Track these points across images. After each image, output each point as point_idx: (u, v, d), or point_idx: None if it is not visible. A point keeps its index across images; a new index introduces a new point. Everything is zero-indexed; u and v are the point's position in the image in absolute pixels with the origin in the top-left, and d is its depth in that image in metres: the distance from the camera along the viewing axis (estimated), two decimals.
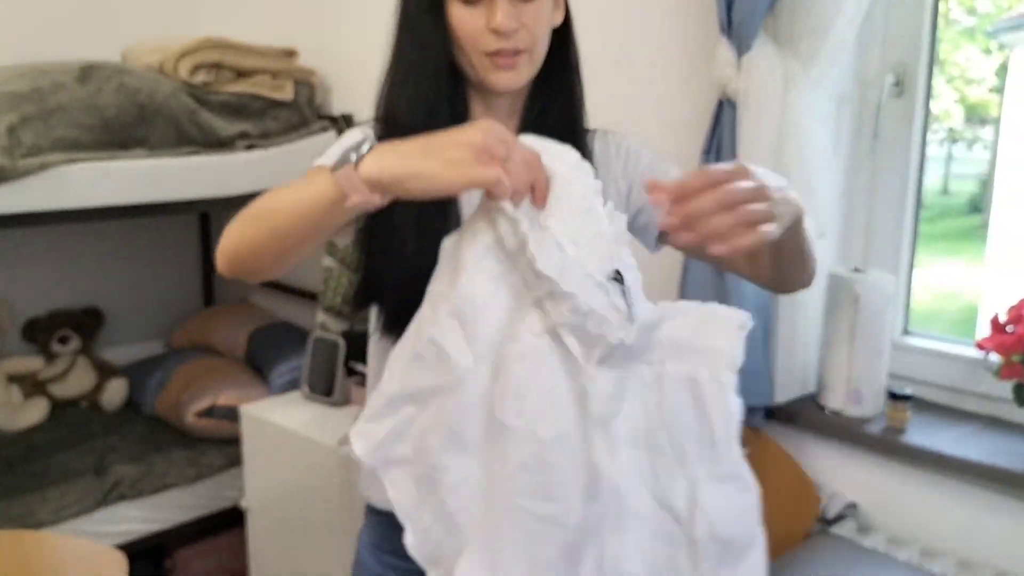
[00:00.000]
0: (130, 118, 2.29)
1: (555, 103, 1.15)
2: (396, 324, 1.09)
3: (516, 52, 1.06)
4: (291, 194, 0.93)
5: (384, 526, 1.19)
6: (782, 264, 1.08)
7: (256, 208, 0.96)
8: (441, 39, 1.06)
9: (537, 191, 0.88)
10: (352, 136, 1.11)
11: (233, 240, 0.98)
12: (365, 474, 1.24)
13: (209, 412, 2.71)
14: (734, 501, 0.93)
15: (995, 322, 1.61)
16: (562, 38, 1.15)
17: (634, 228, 1.18)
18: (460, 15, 1.05)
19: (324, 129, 2.73)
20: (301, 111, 2.70)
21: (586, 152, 1.15)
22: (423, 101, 1.07)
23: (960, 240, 2.05)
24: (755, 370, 1.80)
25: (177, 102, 2.38)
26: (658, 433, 0.92)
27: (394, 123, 1.08)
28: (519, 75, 1.09)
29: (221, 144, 2.47)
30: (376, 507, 1.23)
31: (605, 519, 0.90)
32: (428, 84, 1.08)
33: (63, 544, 1.46)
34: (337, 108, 2.86)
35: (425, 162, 0.84)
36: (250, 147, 2.53)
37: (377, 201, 0.88)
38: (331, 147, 1.10)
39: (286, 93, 2.65)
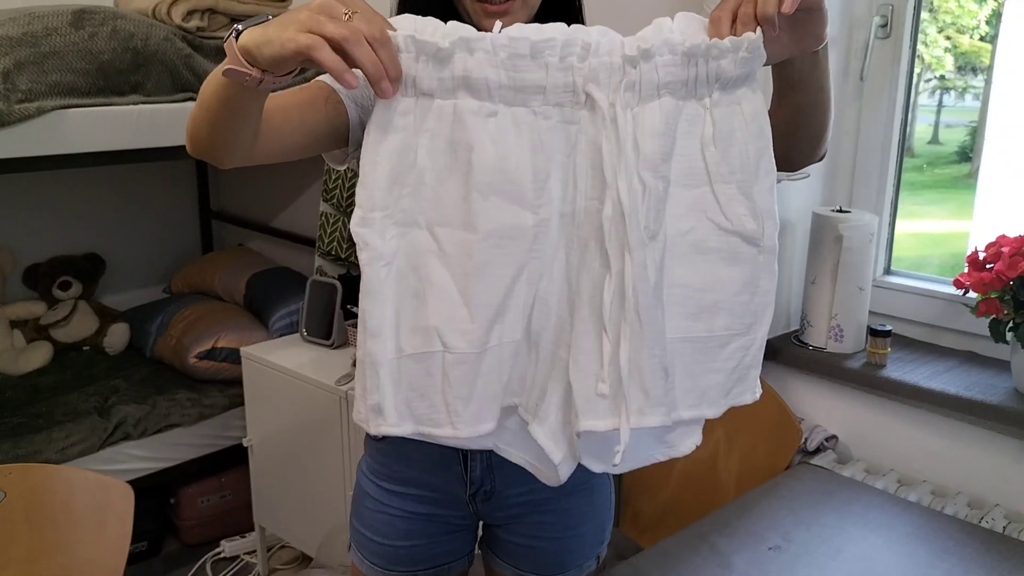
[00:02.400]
0: (125, 63, 2.30)
1: None
2: None
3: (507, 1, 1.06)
4: (212, 74, 0.92)
5: (382, 453, 1.25)
6: (807, 99, 1.02)
7: (200, 92, 0.96)
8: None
9: (383, 62, 0.84)
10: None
11: (189, 124, 0.99)
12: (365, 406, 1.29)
13: (210, 354, 2.77)
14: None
15: (973, 259, 1.65)
16: None
17: None
18: None
19: (317, 74, 2.74)
20: None
21: None
22: None
23: (949, 188, 2.07)
24: None
25: (171, 47, 2.38)
26: (718, 163, 0.92)
27: None
28: (512, 20, 1.08)
29: None
30: (374, 436, 1.29)
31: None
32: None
33: (70, 476, 1.51)
34: None
35: (275, 29, 0.82)
36: None
37: (255, 74, 0.84)
38: None
39: None
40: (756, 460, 1.85)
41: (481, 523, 1.30)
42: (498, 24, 0.90)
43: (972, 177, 1.94)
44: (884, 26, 1.85)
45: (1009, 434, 1.62)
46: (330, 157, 1.13)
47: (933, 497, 1.66)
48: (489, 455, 1.15)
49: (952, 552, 1.44)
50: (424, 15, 0.97)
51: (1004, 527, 1.55)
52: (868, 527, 1.52)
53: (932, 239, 2.06)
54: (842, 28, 1.88)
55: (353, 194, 1.17)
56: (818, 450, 1.80)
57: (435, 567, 1.28)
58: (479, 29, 1.07)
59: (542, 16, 1.11)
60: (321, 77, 1.05)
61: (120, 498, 1.51)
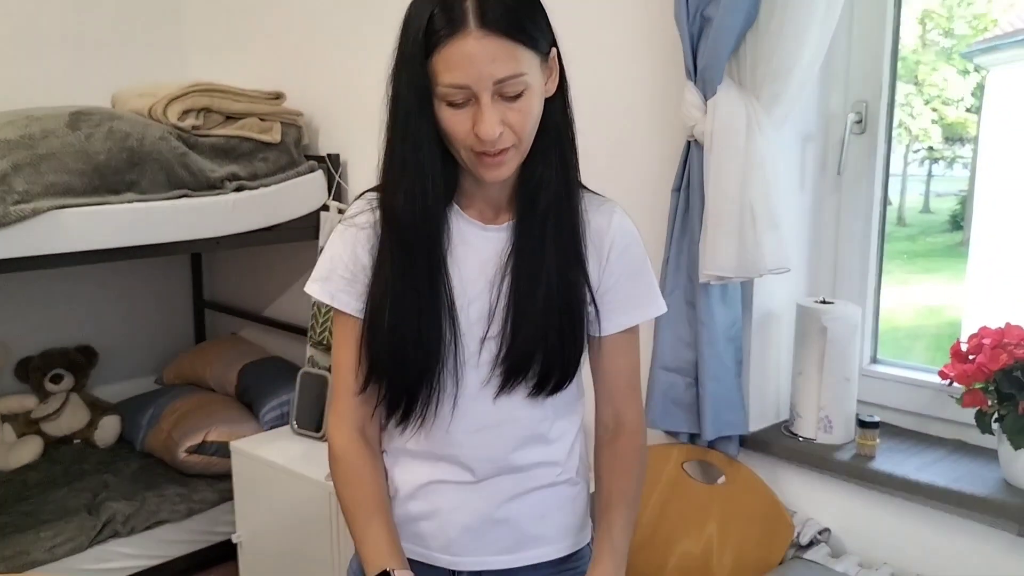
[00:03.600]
0: (120, 163, 2.35)
1: (548, 173, 1.15)
2: (395, 402, 1.19)
3: (502, 151, 1.09)
4: (359, 529, 1.19)
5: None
6: None
7: (346, 498, 1.21)
8: (432, 135, 1.09)
9: None
10: (353, 208, 1.20)
11: (334, 477, 1.24)
12: None
13: (200, 448, 2.75)
14: None
15: (956, 351, 1.66)
16: (556, 105, 1.14)
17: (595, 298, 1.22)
18: (447, 116, 1.07)
19: (312, 169, 2.80)
20: (289, 152, 2.77)
21: (577, 209, 1.18)
22: (419, 201, 1.12)
23: (941, 257, 2.10)
24: (729, 401, 1.85)
25: (167, 146, 2.44)
26: None
27: (393, 214, 1.14)
28: (507, 168, 1.11)
29: (211, 186, 2.53)
30: None
31: None
32: (422, 185, 1.11)
33: None
34: (324, 148, 2.92)
35: None
36: (239, 188, 2.58)
37: None
38: (345, 214, 1.22)
39: (274, 135, 2.72)
40: (749, 555, 1.83)
41: None
42: None
43: (964, 245, 1.97)
44: (859, 122, 1.91)
45: (999, 526, 1.61)
46: None
47: None
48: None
49: None
50: (416, 175, 1.09)
51: None
52: None
53: (927, 308, 2.08)
54: (819, 124, 1.94)
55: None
56: (811, 544, 1.78)
57: None
58: (476, 177, 1.12)
59: (535, 151, 1.14)
60: (338, 308, 1.20)
61: None
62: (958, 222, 2.02)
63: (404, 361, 1.15)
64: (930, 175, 2.08)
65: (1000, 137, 1.87)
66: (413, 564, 1.24)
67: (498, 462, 1.22)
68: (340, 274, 1.18)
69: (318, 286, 1.20)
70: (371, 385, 1.19)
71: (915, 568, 1.71)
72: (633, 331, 1.26)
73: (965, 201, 1.99)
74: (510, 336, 1.16)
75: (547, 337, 1.16)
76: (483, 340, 1.17)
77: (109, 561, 2.49)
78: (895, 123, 1.90)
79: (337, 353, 1.21)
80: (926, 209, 2.09)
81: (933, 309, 2.09)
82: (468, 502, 1.21)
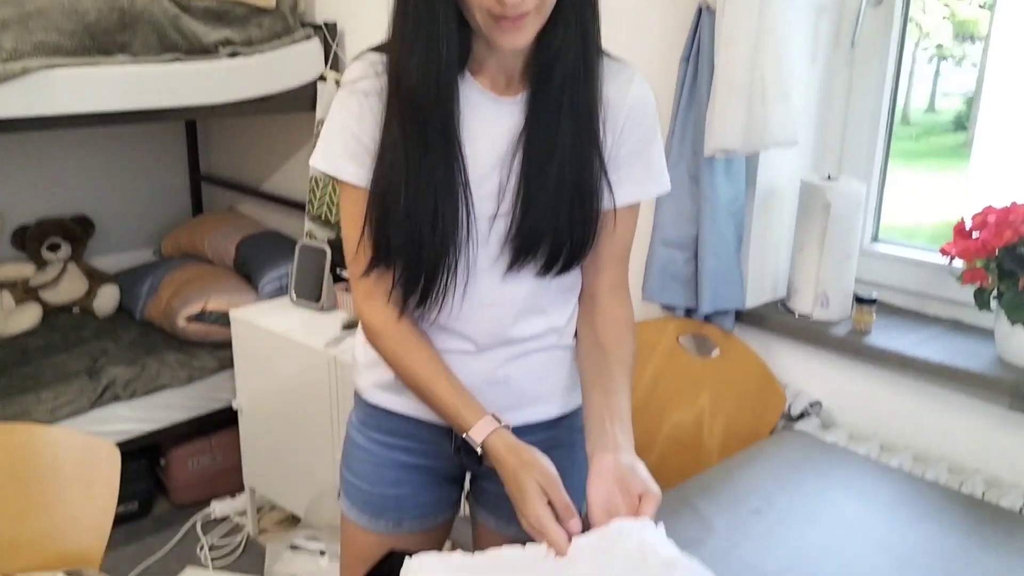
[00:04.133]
0: (111, 23, 2.28)
1: (567, 42, 1.08)
2: (411, 286, 1.14)
3: (522, 15, 1.02)
4: (427, 396, 1.17)
5: (370, 410, 1.29)
6: None
7: (402, 370, 1.19)
8: (448, 2, 1.03)
9: None
10: (354, 71, 1.13)
11: (388, 358, 1.20)
12: (359, 367, 1.31)
13: (200, 316, 2.77)
14: None
15: (960, 228, 1.65)
16: None
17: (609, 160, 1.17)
18: None
19: (307, 37, 2.71)
20: (284, 18, 2.68)
21: (595, 83, 1.12)
22: (432, 66, 1.05)
23: (945, 157, 2.07)
24: (728, 275, 1.85)
25: (158, 7, 2.35)
26: None
27: (404, 79, 1.07)
28: (525, 34, 1.05)
29: (204, 51, 2.46)
30: (365, 399, 1.30)
31: None
32: (436, 49, 1.04)
33: (56, 436, 1.51)
34: (320, 16, 2.83)
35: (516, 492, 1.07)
36: (233, 54, 2.51)
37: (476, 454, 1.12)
38: (345, 76, 1.15)
39: (268, 0, 2.62)
40: (740, 425, 1.86)
41: (468, 474, 1.33)
42: None
43: (967, 147, 1.93)
44: None
45: (991, 401, 1.64)
46: None
47: (914, 463, 1.68)
48: None
49: (931, 517, 1.46)
50: (430, 41, 1.03)
51: (983, 493, 1.57)
52: (849, 492, 1.53)
53: (925, 208, 2.06)
54: None
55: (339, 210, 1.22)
56: (802, 415, 1.82)
57: (421, 515, 1.31)
58: (490, 43, 1.05)
59: (555, 17, 1.06)
60: (343, 179, 1.15)
61: (106, 458, 1.52)
62: (963, 123, 1.98)
63: (420, 244, 1.10)
64: (937, 74, 2.03)
65: (1012, 37, 1.81)
66: (414, 422, 1.26)
67: (500, 335, 1.22)
68: (346, 145, 1.13)
69: (323, 159, 1.14)
70: (381, 266, 1.15)
71: (904, 441, 1.75)
72: (636, 204, 1.24)
73: (971, 102, 1.94)
74: (520, 214, 1.13)
75: (558, 216, 1.13)
76: (493, 218, 1.14)
77: (110, 424, 2.54)
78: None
79: (349, 230, 1.16)
80: (931, 109, 2.04)
81: (932, 208, 2.07)
82: (468, 365, 1.22)
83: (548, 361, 1.27)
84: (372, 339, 1.20)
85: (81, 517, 1.50)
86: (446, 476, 1.32)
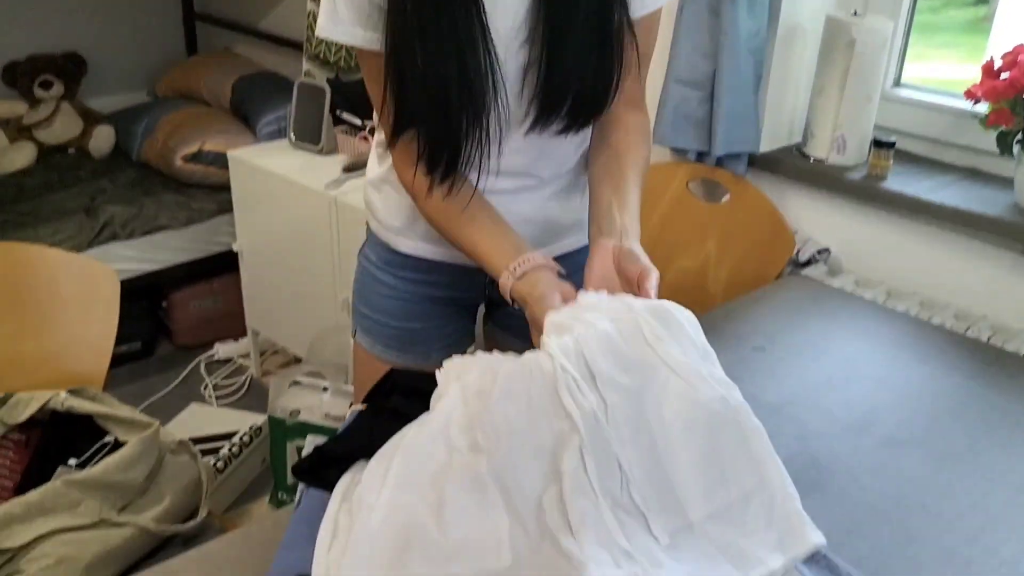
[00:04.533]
0: None
1: None
2: (436, 157, 1.05)
3: None
4: (470, 248, 1.07)
5: (397, 255, 1.25)
6: None
7: (446, 230, 1.10)
8: None
9: None
10: None
11: (434, 218, 1.10)
12: (382, 218, 1.26)
13: (196, 157, 2.71)
14: None
15: (988, 68, 1.58)
16: None
17: None
18: None
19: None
20: None
21: None
22: None
23: (962, 32, 1.97)
24: (743, 116, 1.79)
25: None
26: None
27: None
28: None
29: None
30: (376, 234, 1.27)
31: None
32: None
33: (54, 258, 1.49)
34: None
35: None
36: None
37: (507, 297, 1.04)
38: None
39: None
40: (746, 271, 1.84)
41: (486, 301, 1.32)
42: None
43: (987, 21, 1.83)
44: None
45: (1004, 247, 1.61)
46: None
47: (921, 308, 1.66)
48: None
49: (935, 358, 1.45)
50: None
51: (989, 337, 1.56)
52: (854, 333, 1.52)
53: (941, 83, 1.98)
54: None
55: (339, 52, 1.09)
56: (809, 262, 1.79)
57: (447, 346, 1.30)
58: None
59: None
60: (356, 45, 1.04)
61: (105, 282, 1.50)
62: None
63: (447, 106, 1.00)
64: None
65: None
66: (447, 265, 1.23)
67: (523, 179, 1.17)
68: (354, 5, 1.02)
69: (331, 25, 1.03)
70: (406, 134, 1.05)
71: (911, 288, 1.73)
72: (657, 12, 1.17)
73: None
74: (547, 62, 1.03)
75: (587, 61, 1.05)
76: (525, 68, 1.05)
77: (110, 262, 2.51)
78: None
79: (372, 91, 1.07)
80: None
81: (948, 84, 1.98)
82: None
83: (573, 193, 1.24)
84: (421, 205, 1.12)
85: (81, 339, 1.49)
86: (472, 306, 1.32)
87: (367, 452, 1.01)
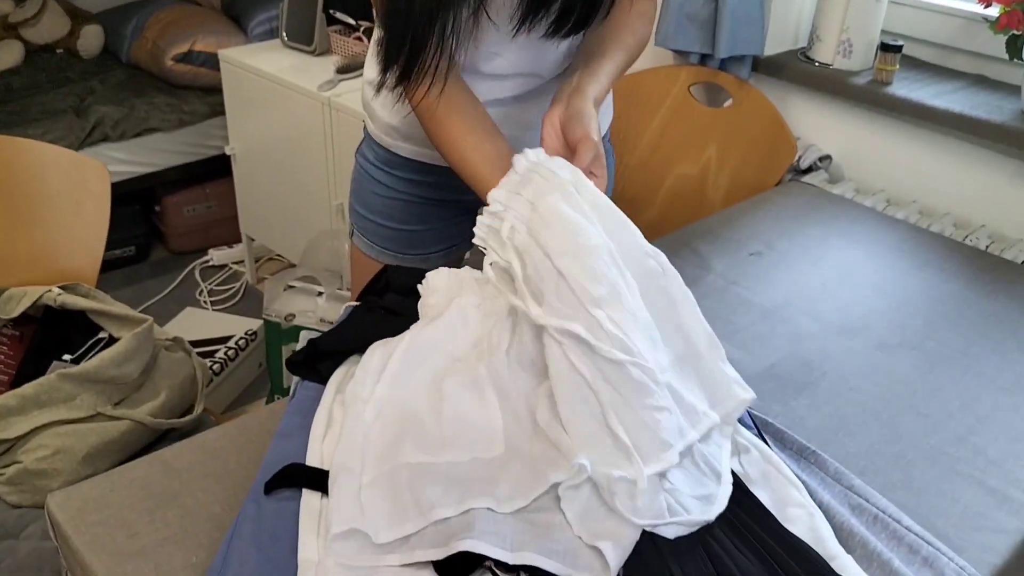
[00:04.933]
0: None
1: None
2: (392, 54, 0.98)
3: None
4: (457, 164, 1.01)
5: (396, 156, 1.22)
6: None
7: (439, 140, 1.03)
8: None
9: None
10: None
11: (429, 127, 1.04)
12: (380, 122, 1.23)
13: (187, 57, 2.65)
14: None
15: None
16: None
17: None
18: None
19: None
20: None
21: None
22: None
23: None
24: (749, 17, 1.74)
25: None
26: None
27: None
28: None
29: None
30: (373, 137, 1.24)
31: None
32: None
33: (44, 152, 1.46)
34: None
35: None
36: None
37: None
38: None
39: None
40: (746, 177, 1.82)
41: None
42: None
43: None
44: None
45: (1008, 154, 1.59)
46: None
47: (920, 216, 1.65)
48: None
49: (933, 264, 1.44)
50: None
51: (987, 246, 1.55)
52: (852, 240, 1.51)
53: None
54: None
55: None
56: (810, 169, 1.77)
57: (447, 249, 1.29)
58: None
59: None
60: None
61: (96, 177, 1.47)
62: None
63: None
64: None
65: None
66: (442, 168, 1.19)
67: (524, 81, 1.14)
68: None
69: None
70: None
71: (911, 196, 1.71)
72: None
73: None
74: None
75: None
76: None
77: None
78: None
79: None
80: None
81: None
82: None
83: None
84: (417, 113, 1.06)
85: (73, 236, 1.48)
86: (475, 207, 1.28)
87: (361, 347, 1.01)
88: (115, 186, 2.53)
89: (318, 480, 0.86)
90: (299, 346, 1.06)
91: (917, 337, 1.25)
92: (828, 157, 1.79)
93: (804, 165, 1.76)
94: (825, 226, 1.55)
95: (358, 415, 0.90)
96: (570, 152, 0.96)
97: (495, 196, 0.92)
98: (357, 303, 1.11)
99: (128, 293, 2.66)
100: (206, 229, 2.84)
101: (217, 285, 2.72)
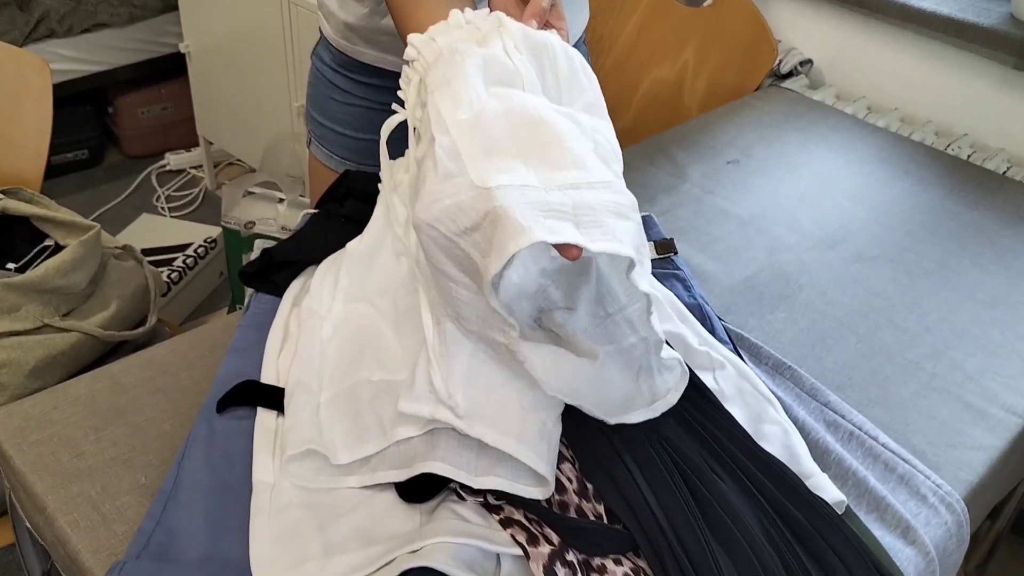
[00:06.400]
0: None
1: None
2: None
3: None
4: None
5: (334, 48, 1.14)
6: None
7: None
8: None
9: None
10: None
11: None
12: (324, 2, 1.13)
13: None
14: None
15: None
16: None
17: None
18: None
19: None
20: None
21: None
22: None
23: None
24: None
25: None
26: None
27: None
28: None
29: None
30: (330, 40, 1.15)
31: None
32: None
33: None
34: None
35: None
36: None
37: None
38: None
39: None
40: (725, 82, 1.75)
41: None
42: None
43: None
44: None
45: (994, 60, 1.53)
46: None
47: (902, 124, 1.61)
48: None
49: (913, 174, 1.40)
50: None
51: (969, 155, 1.51)
52: (831, 148, 1.47)
53: None
54: None
55: None
56: (791, 74, 1.71)
57: None
58: None
59: None
60: None
61: (35, 74, 1.38)
62: None
63: None
64: None
65: None
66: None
67: None
68: None
69: None
70: None
71: (893, 103, 1.66)
72: None
73: None
74: None
75: None
76: None
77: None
78: None
79: None
80: None
81: None
82: None
83: None
84: None
85: (13, 139, 1.39)
86: None
87: (318, 256, 0.95)
88: (64, 85, 2.42)
89: (273, 398, 0.82)
90: (254, 253, 1.00)
91: (896, 249, 1.21)
92: (809, 61, 1.73)
93: (784, 70, 1.70)
94: (804, 133, 1.50)
95: (314, 330, 0.85)
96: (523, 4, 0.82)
97: (412, 40, 0.77)
98: (315, 211, 1.05)
99: (82, 198, 2.56)
100: (163, 132, 2.72)
101: (175, 191, 2.63)
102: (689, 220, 1.24)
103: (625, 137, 1.94)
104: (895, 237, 1.25)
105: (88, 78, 2.46)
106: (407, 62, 0.80)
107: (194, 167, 2.71)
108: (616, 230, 0.66)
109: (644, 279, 0.68)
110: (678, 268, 1.04)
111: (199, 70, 2.45)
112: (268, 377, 0.85)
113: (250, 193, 1.96)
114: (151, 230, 2.31)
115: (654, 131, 1.80)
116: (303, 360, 0.83)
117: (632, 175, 1.37)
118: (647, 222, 1.09)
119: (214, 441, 0.80)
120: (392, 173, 0.91)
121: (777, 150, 1.44)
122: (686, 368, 0.78)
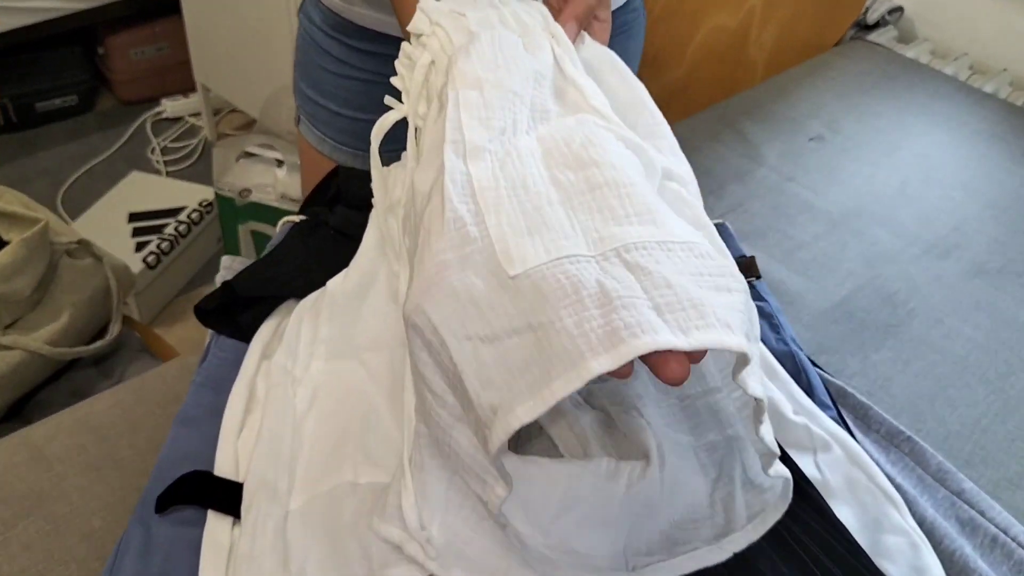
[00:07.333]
0: None
1: None
2: None
3: None
4: None
5: (326, 7, 0.89)
6: None
7: None
8: None
9: None
10: None
11: None
12: None
13: None
14: None
15: None
16: None
17: None
18: None
19: None
20: None
21: None
22: None
23: None
24: None
25: None
26: None
27: None
28: None
29: None
30: (339, 14, 0.90)
31: None
32: None
33: None
34: None
35: None
36: None
37: None
38: None
39: None
40: (799, 32, 1.48)
41: None
42: None
43: None
44: None
45: None
46: None
47: (1012, 90, 1.34)
48: None
49: None
50: None
51: None
52: (933, 120, 1.21)
53: None
54: None
55: None
56: (878, 24, 1.44)
57: None
58: None
59: None
60: None
61: None
62: None
63: None
64: None
65: None
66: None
67: None
68: None
69: None
70: None
71: (1002, 62, 1.40)
72: None
73: None
74: None
75: None
76: None
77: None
78: None
79: None
80: None
81: None
82: None
83: None
84: None
85: None
86: None
87: (298, 287, 0.73)
88: (48, 24, 2.18)
89: (229, 497, 0.61)
90: (218, 276, 0.78)
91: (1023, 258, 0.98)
92: (900, 9, 1.46)
93: (871, 20, 1.43)
94: (901, 102, 1.25)
95: (286, 399, 0.64)
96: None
97: (425, 7, 0.60)
98: (298, 218, 0.82)
99: (72, 148, 2.35)
100: (158, 75, 2.48)
101: (172, 142, 2.40)
102: (766, 218, 1.00)
103: (675, 96, 1.68)
104: (1021, 242, 1.01)
105: (74, 16, 2.22)
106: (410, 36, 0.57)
107: (193, 115, 2.47)
108: (717, 310, 0.43)
109: (756, 377, 0.45)
110: (762, 299, 0.80)
111: (194, 7, 2.20)
112: (224, 465, 0.63)
113: (246, 155, 1.73)
114: (141, 190, 2.09)
115: (710, 91, 1.55)
116: (270, 445, 0.62)
117: (693, 157, 1.13)
118: (722, 233, 0.85)
119: (150, 556, 0.59)
120: (388, 187, 0.68)
121: (869, 124, 1.19)
122: (790, 482, 0.55)
